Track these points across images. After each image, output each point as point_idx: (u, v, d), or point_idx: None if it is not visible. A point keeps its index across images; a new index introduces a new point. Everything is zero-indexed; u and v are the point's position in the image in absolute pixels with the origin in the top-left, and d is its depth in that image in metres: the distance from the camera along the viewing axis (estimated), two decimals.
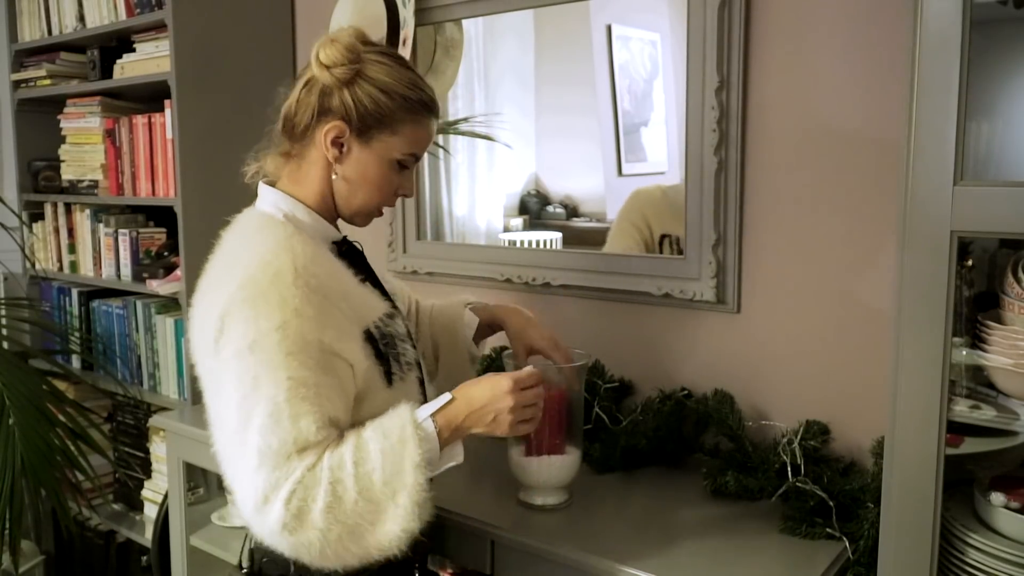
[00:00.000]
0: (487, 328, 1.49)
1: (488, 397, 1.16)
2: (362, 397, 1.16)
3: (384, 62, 1.20)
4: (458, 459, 1.17)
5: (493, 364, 1.86)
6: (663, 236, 1.77)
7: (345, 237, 1.30)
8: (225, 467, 1.14)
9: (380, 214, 1.29)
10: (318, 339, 1.09)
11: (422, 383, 1.29)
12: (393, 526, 1.07)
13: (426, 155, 2.10)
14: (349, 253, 1.29)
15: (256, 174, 1.28)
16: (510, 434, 1.19)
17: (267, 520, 1.04)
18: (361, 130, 1.19)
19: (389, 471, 1.07)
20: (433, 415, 1.14)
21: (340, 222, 1.29)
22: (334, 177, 1.22)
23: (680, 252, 1.69)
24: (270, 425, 1.05)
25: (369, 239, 1.45)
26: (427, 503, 1.10)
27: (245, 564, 1.26)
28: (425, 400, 1.25)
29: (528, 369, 1.21)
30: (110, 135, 2.43)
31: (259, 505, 1.05)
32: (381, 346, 1.19)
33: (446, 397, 1.16)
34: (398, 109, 1.19)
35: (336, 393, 1.11)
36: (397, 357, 1.21)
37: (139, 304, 2.45)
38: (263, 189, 1.26)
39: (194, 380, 2.28)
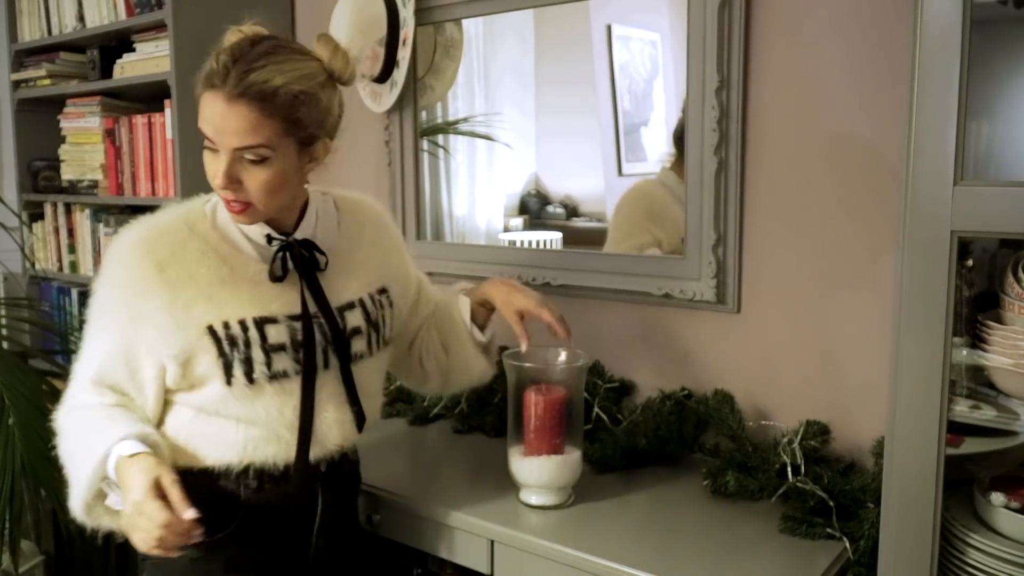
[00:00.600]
0: (481, 308, 1.46)
1: (131, 494, 1.10)
2: (198, 384, 1.22)
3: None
4: (116, 506, 1.19)
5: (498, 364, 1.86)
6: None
7: (285, 238, 1.25)
8: None
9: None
10: (130, 317, 1.20)
11: (303, 407, 1.24)
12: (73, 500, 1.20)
13: (426, 155, 2.10)
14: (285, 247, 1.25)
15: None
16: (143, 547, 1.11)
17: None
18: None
19: (71, 466, 1.21)
20: (128, 456, 1.13)
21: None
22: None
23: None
24: (80, 357, 1.27)
25: None
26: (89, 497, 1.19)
27: None
28: (301, 427, 1.24)
29: (156, 478, 1.10)
30: (110, 135, 2.43)
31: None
32: (225, 347, 1.19)
33: (142, 449, 1.15)
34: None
35: (133, 367, 1.22)
36: (248, 360, 1.19)
37: None
38: None
39: None
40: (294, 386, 1.24)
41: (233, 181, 1.16)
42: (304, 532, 1.31)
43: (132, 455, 1.13)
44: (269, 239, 1.25)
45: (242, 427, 1.22)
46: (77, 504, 1.19)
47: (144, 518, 1.06)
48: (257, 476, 1.24)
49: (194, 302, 1.19)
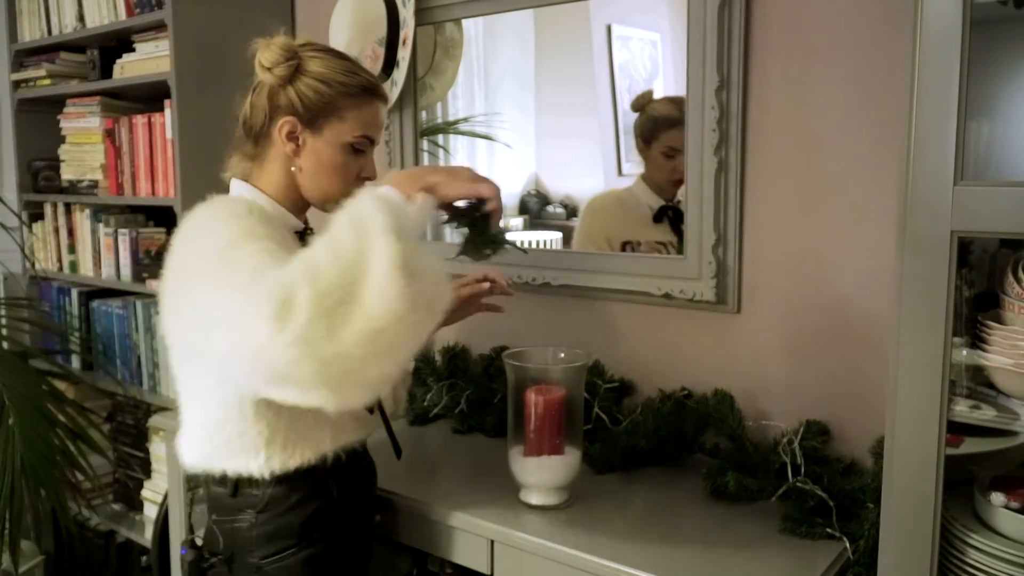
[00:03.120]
0: None
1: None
2: None
3: (319, 56, 1.28)
4: (427, 211, 1.11)
5: (493, 364, 1.86)
6: (624, 243, 1.78)
7: (307, 227, 1.34)
8: (211, 351, 1.08)
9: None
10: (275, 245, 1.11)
11: None
12: (372, 291, 0.96)
13: (426, 155, 2.10)
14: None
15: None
16: (465, 193, 1.15)
17: (257, 330, 0.95)
18: (310, 121, 1.26)
19: (358, 237, 0.99)
20: (389, 184, 1.10)
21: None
22: (294, 169, 1.29)
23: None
24: (245, 276, 1.01)
25: None
26: (403, 260, 0.98)
27: (190, 536, 1.35)
28: None
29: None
30: (110, 135, 2.43)
31: (244, 329, 0.96)
32: None
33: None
34: (339, 95, 1.26)
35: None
36: None
37: (139, 304, 2.45)
38: (235, 183, 1.34)
39: None
40: None
41: None
42: (372, 499, 1.42)
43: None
44: (302, 232, 1.32)
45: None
46: (384, 274, 0.96)
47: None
48: (346, 455, 1.28)
49: None
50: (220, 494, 1.26)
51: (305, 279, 0.95)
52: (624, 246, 1.78)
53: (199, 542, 1.34)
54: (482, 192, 1.17)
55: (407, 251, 0.98)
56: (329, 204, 1.29)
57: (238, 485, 1.24)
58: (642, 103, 1.73)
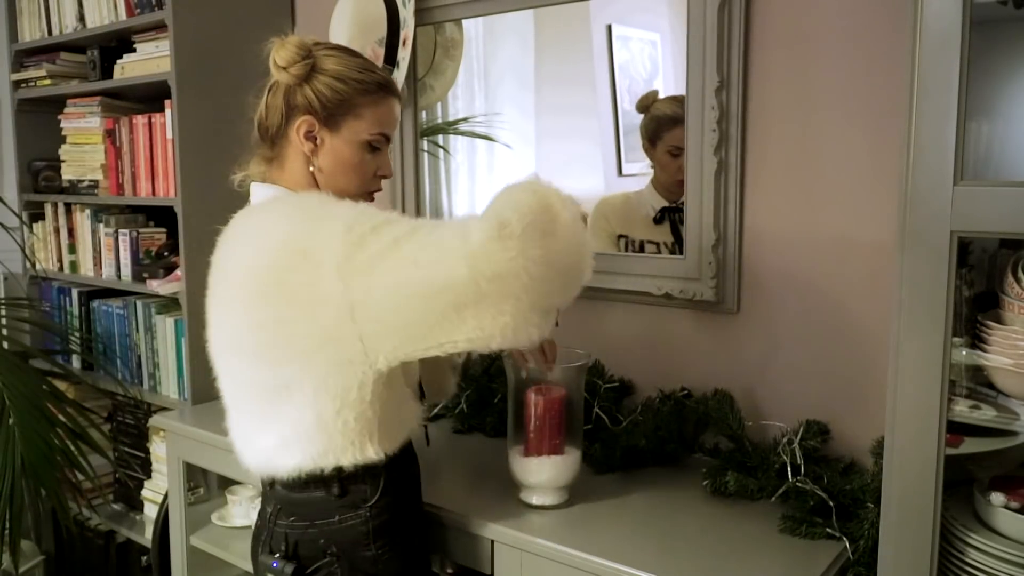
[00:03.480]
0: None
1: None
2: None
3: (334, 54, 1.28)
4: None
5: (494, 364, 1.86)
6: (620, 236, 1.81)
7: None
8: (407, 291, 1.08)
9: (371, 198, 1.32)
10: None
11: None
12: (565, 219, 1.10)
13: (426, 155, 2.10)
14: None
15: (244, 180, 1.35)
16: None
17: (480, 241, 1.05)
18: (327, 119, 1.26)
19: (535, 197, 1.09)
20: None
21: None
22: (312, 169, 1.28)
23: (640, 249, 1.77)
24: (412, 225, 1.10)
25: None
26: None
27: (276, 548, 1.25)
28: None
29: None
30: (110, 135, 2.43)
31: (463, 241, 1.05)
32: None
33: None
34: (355, 93, 1.26)
35: None
36: None
37: (139, 304, 2.45)
38: (257, 186, 1.32)
39: (194, 380, 2.27)
40: None
41: None
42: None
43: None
44: None
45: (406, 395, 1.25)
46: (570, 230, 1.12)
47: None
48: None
49: None
50: (319, 498, 1.22)
51: (510, 210, 1.06)
52: (619, 239, 1.79)
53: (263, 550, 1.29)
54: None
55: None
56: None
57: (343, 483, 1.21)
58: (647, 103, 1.73)
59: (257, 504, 1.95)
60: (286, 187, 1.29)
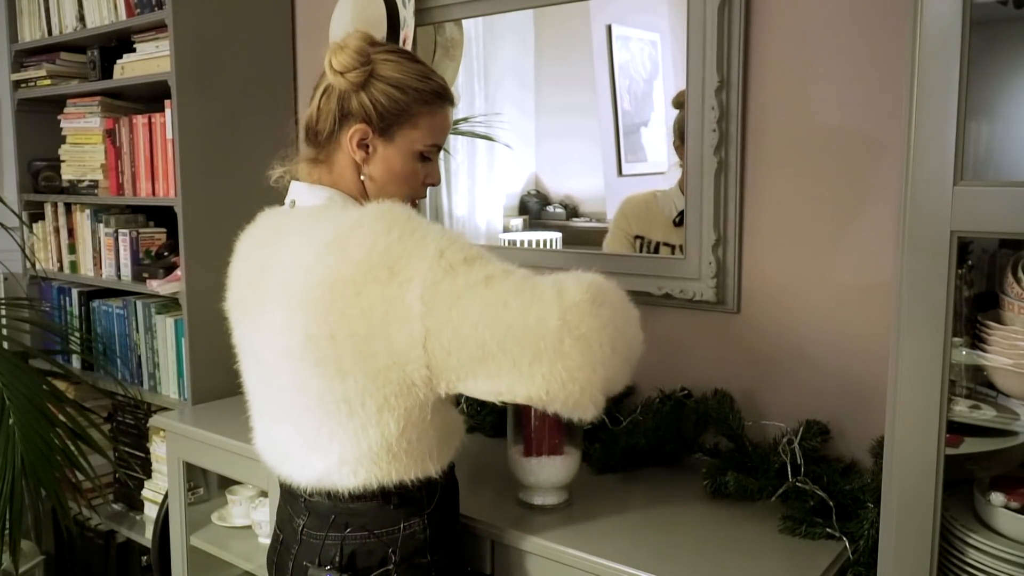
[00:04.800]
0: None
1: None
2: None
3: (393, 59, 1.23)
4: None
5: None
6: (636, 236, 1.80)
7: None
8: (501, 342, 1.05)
9: (415, 206, 1.28)
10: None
11: None
12: (630, 308, 1.17)
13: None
14: None
15: (282, 177, 1.30)
16: None
17: (569, 302, 1.05)
18: (383, 128, 1.22)
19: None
20: None
21: None
22: (362, 178, 1.25)
23: (655, 250, 1.74)
24: (507, 272, 1.08)
25: None
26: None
27: (328, 561, 1.21)
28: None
29: None
30: (110, 135, 2.43)
31: (559, 295, 1.06)
32: None
33: None
34: (413, 102, 1.22)
35: None
36: None
37: (139, 304, 2.45)
38: (305, 187, 1.26)
39: (194, 380, 2.27)
40: None
41: None
42: None
43: None
44: None
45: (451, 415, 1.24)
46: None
47: None
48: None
49: None
50: (377, 507, 1.19)
51: (604, 284, 1.12)
52: (636, 240, 1.78)
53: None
54: None
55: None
56: None
57: (401, 494, 1.19)
58: (681, 100, 1.69)
59: (257, 504, 1.95)
60: (340, 191, 1.24)
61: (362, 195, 1.26)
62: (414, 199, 1.30)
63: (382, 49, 1.24)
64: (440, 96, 1.26)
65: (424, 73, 1.25)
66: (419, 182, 1.28)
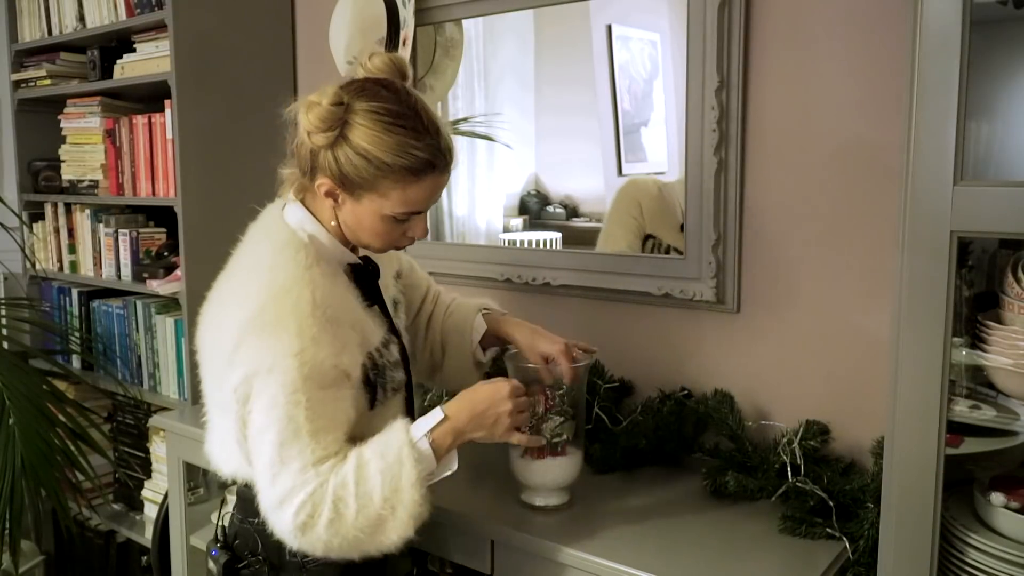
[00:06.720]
0: (494, 337, 1.50)
1: (489, 402, 1.23)
2: None
3: (368, 125, 1.14)
4: (452, 468, 1.23)
5: (494, 363, 1.86)
6: (648, 236, 1.78)
7: (361, 260, 1.32)
8: (251, 460, 1.20)
9: (401, 247, 1.31)
10: (333, 364, 1.15)
11: (408, 401, 1.36)
12: (392, 535, 1.15)
13: None
14: (363, 273, 1.31)
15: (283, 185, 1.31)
16: (506, 437, 1.25)
17: (279, 521, 1.14)
18: (349, 189, 1.18)
19: (388, 489, 1.14)
20: (428, 433, 1.19)
21: None
22: (333, 223, 1.24)
23: (666, 253, 1.72)
24: (289, 440, 1.13)
25: None
26: (424, 510, 1.17)
27: (220, 537, 1.36)
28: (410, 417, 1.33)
29: (515, 381, 1.28)
30: (110, 135, 2.43)
31: (274, 507, 1.15)
32: (371, 375, 1.24)
33: (437, 415, 1.21)
34: (381, 176, 1.15)
35: (348, 406, 1.19)
36: (384, 385, 1.27)
37: (139, 304, 2.45)
38: (293, 206, 1.27)
39: (195, 380, 2.27)
40: (400, 391, 1.33)
41: None
42: None
43: (435, 426, 1.20)
44: (356, 265, 1.31)
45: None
46: (402, 526, 1.16)
47: (518, 406, 1.24)
48: None
49: (356, 340, 1.22)
50: (246, 494, 1.26)
51: (328, 516, 1.12)
52: (647, 238, 1.77)
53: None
54: (512, 441, 1.28)
55: (425, 502, 1.16)
56: (370, 251, 1.31)
57: None
58: None
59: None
60: (319, 219, 1.25)
61: (337, 232, 1.25)
62: (395, 247, 1.29)
63: (364, 108, 1.14)
64: (418, 172, 1.16)
65: (402, 146, 1.14)
66: (396, 236, 1.24)
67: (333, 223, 1.24)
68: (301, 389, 1.13)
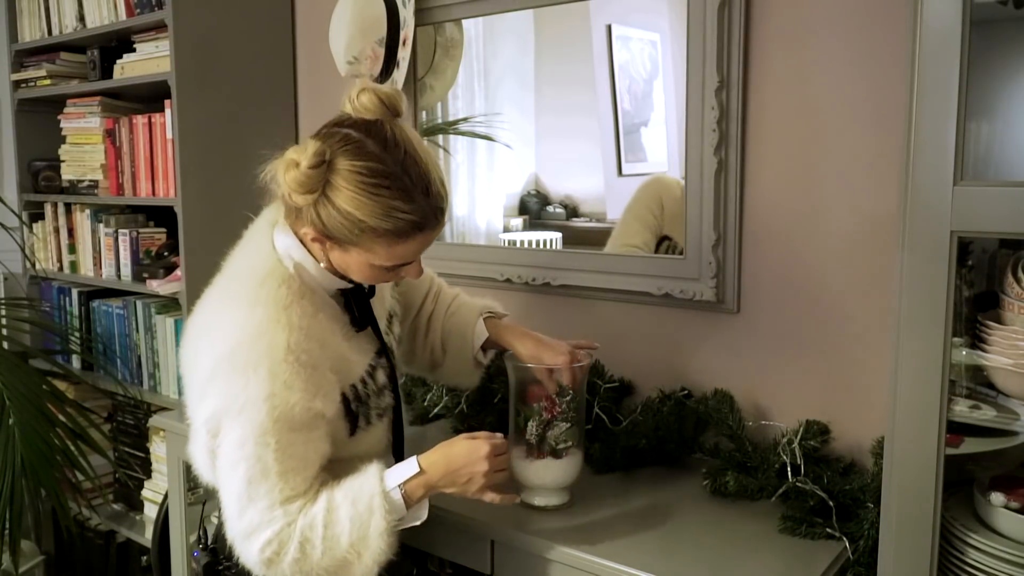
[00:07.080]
0: (495, 343, 1.50)
1: (465, 460, 1.21)
2: None
3: (351, 189, 1.08)
4: (421, 518, 1.23)
5: (493, 363, 1.86)
6: (664, 237, 1.77)
7: (358, 286, 1.29)
8: (219, 489, 1.21)
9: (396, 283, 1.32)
10: (306, 407, 1.15)
11: (395, 423, 1.36)
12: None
13: None
14: (355, 295, 1.29)
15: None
16: (478, 495, 1.24)
17: (245, 552, 1.16)
18: (335, 240, 1.15)
19: (355, 536, 1.14)
20: (401, 484, 1.18)
21: None
22: (322, 265, 1.21)
23: (680, 255, 1.69)
24: (257, 479, 1.13)
25: None
26: (390, 554, 1.17)
27: (202, 538, 1.39)
28: (393, 441, 1.35)
29: (500, 436, 1.26)
30: (110, 135, 2.43)
31: (240, 538, 1.16)
32: (353, 406, 1.24)
33: (413, 467, 1.20)
34: (365, 237, 1.12)
35: (321, 445, 1.19)
36: (367, 414, 1.27)
37: (139, 304, 2.45)
38: (282, 231, 1.22)
39: None
40: (387, 415, 1.33)
41: None
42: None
43: (409, 478, 1.19)
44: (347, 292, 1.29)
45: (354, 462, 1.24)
46: (367, 571, 1.16)
47: (495, 466, 1.22)
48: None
49: (332, 379, 1.21)
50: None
51: (294, 556, 1.13)
52: (663, 240, 1.76)
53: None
54: (485, 499, 1.25)
55: (392, 549, 1.16)
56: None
57: None
58: None
59: None
60: (307, 248, 1.20)
61: (328, 266, 1.21)
62: (387, 282, 1.30)
63: (347, 169, 1.08)
64: (405, 234, 1.12)
65: (387, 211, 1.09)
66: (389, 278, 1.23)
67: (323, 264, 1.20)
68: (271, 432, 1.12)
